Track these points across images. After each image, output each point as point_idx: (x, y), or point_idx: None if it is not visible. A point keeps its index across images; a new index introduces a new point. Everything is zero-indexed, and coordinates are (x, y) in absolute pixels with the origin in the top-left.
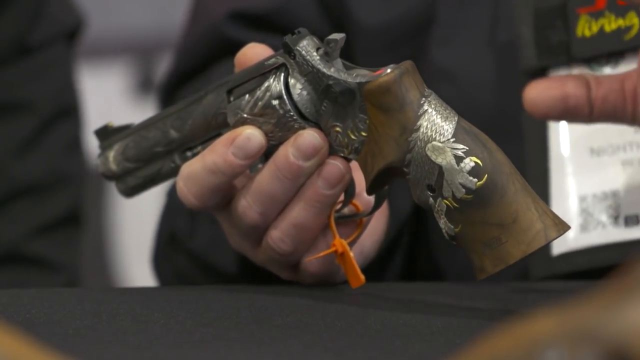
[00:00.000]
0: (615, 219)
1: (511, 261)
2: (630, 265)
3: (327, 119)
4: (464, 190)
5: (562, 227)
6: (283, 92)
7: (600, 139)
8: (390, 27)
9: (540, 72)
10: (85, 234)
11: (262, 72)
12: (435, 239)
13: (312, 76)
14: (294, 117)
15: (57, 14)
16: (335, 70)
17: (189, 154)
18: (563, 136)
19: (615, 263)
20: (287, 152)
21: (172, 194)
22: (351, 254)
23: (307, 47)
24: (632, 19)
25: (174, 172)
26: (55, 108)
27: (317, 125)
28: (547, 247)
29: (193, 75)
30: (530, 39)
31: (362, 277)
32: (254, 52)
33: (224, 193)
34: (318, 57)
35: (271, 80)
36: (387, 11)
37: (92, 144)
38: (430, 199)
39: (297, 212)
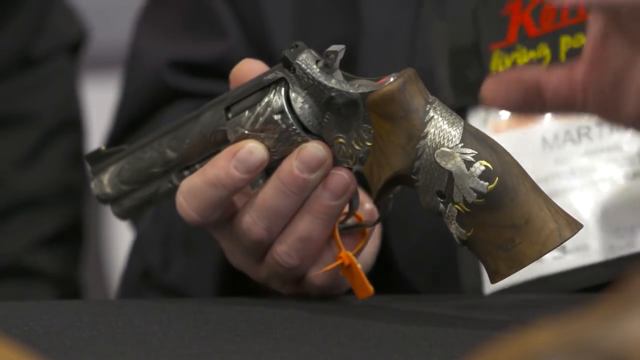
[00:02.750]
0: (563, 249)
1: (526, 262)
2: (629, 278)
3: (330, 130)
4: (475, 194)
5: (576, 225)
6: (285, 106)
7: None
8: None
9: (459, 112)
10: (87, 247)
11: (261, 87)
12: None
13: (313, 89)
14: (297, 131)
15: (60, 27)
16: (336, 82)
17: (186, 172)
18: None
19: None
20: (292, 165)
21: (140, 231)
22: (358, 265)
23: (307, 60)
24: (543, 51)
25: (171, 192)
26: (58, 120)
27: (320, 137)
28: (479, 285)
29: (138, 124)
30: (447, 79)
31: (371, 288)
32: (249, 68)
33: (225, 208)
34: (318, 70)
35: (271, 95)
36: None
37: None
38: (441, 205)
39: (303, 225)
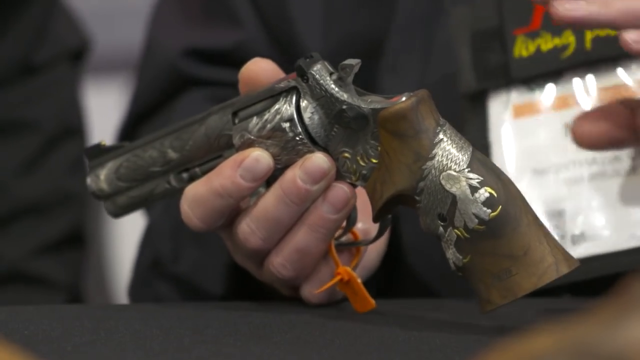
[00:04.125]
0: (562, 238)
1: (520, 293)
2: (629, 282)
3: (336, 144)
4: (477, 220)
5: (573, 262)
6: (294, 114)
7: (543, 159)
8: (338, 54)
9: (480, 95)
10: (88, 253)
11: (272, 94)
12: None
13: (325, 100)
14: (304, 141)
15: (62, 34)
16: (348, 96)
17: (185, 175)
18: (506, 157)
19: (565, 282)
20: (295, 175)
21: (151, 221)
22: (359, 280)
23: (321, 71)
24: (568, 38)
25: (167, 193)
26: (59, 128)
27: (325, 150)
28: None
29: (152, 112)
30: (469, 62)
31: (372, 301)
32: (259, 67)
33: (230, 215)
34: (332, 82)
35: (282, 102)
36: (334, 37)
37: None
38: (441, 228)
39: (300, 237)
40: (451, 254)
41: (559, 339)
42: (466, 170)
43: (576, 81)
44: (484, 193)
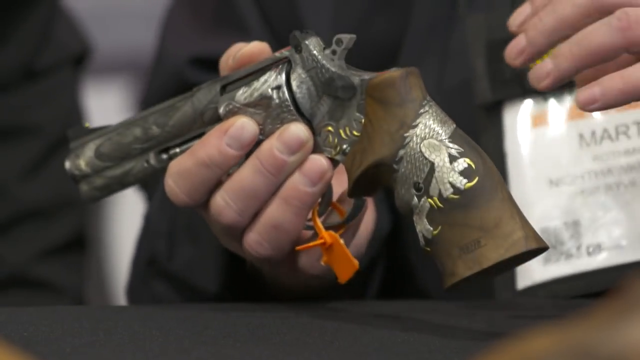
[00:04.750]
0: (578, 248)
1: (486, 264)
2: (628, 283)
3: (321, 116)
4: (452, 189)
5: (543, 243)
6: (284, 82)
7: (558, 169)
8: (348, 62)
9: (496, 105)
10: (89, 257)
11: (263, 66)
12: (412, 258)
13: (316, 72)
14: (289, 109)
15: (63, 39)
16: (339, 68)
17: (164, 156)
18: (522, 167)
19: (580, 293)
20: (272, 145)
21: (147, 220)
22: (341, 241)
23: (315, 43)
24: None
25: (146, 172)
26: (61, 132)
27: (309, 121)
28: (512, 281)
29: None
30: (484, 72)
31: (356, 262)
32: (259, 49)
33: (214, 188)
34: (324, 54)
35: (272, 72)
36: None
37: None
38: (415, 198)
39: (275, 211)
40: (422, 226)
41: (558, 340)
42: (447, 140)
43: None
44: (462, 163)
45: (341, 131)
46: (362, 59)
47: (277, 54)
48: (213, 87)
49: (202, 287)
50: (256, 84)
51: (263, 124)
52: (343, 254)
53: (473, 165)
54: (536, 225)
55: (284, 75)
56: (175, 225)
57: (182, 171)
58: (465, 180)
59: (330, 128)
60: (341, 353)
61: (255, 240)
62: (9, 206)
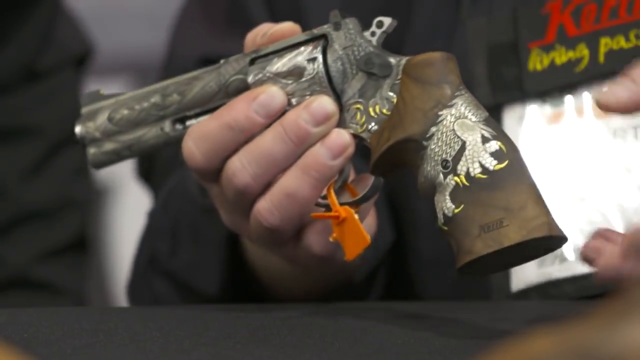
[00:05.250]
0: (573, 251)
1: (506, 243)
2: (628, 285)
3: (351, 93)
4: (480, 169)
5: (563, 233)
6: (320, 55)
7: (558, 172)
8: None
9: (495, 108)
10: (90, 258)
11: (297, 41)
12: (414, 268)
13: (352, 49)
14: (322, 81)
15: (65, 40)
16: (377, 47)
17: (179, 126)
18: None
19: (574, 296)
20: (298, 114)
21: (150, 218)
22: (355, 216)
23: (354, 23)
24: (582, 51)
25: (157, 140)
26: (63, 133)
27: (338, 97)
28: (507, 283)
29: None
30: (484, 76)
31: (368, 237)
32: (290, 30)
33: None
34: (363, 34)
35: (308, 46)
36: None
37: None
38: (441, 175)
39: (291, 180)
40: (443, 204)
41: (558, 341)
42: (481, 123)
43: (589, 95)
44: (494, 145)
45: (370, 109)
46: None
47: (315, 30)
48: (242, 59)
49: (201, 289)
50: (290, 55)
51: (293, 94)
52: (356, 229)
53: (504, 149)
54: None
55: (320, 49)
56: (178, 225)
57: (204, 132)
58: (495, 162)
59: (359, 106)
60: (341, 354)
61: (265, 208)
62: (9, 207)
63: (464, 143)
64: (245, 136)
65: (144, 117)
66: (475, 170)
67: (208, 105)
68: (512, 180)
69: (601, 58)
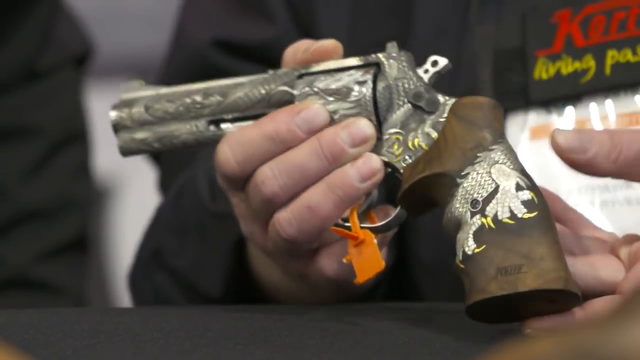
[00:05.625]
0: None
1: (521, 288)
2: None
3: (393, 123)
4: (509, 214)
5: (579, 291)
6: (370, 80)
7: (555, 182)
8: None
9: None
10: (90, 258)
11: (350, 65)
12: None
13: (403, 82)
14: (367, 104)
15: (65, 39)
16: (428, 84)
17: (213, 127)
18: None
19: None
20: (336, 132)
21: (159, 212)
22: (375, 240)
23: (409, 57)
24: (588, 62)
25: (190, 136)
26: (63, 133)
27: (378, 124)
28: None
29: None
30: (489, 81)
31: (382, 263)
32: (335, 49)
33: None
34: (416, 69)
35: (360, 70)
36: (355, 43)
37: (99, 168)
38: (468, 213)
39: (315, 194)
40: (465, 242)
41: (559, 342)
42: (518, 171)
43: (594, 106)
44: (527, 194)
45: (409, 142)
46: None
47: (369, 57)
48: (290, 72)
49: (204, 289)
50: (340, 75)
51: (334, 112)
52: (372, 253)
53: (536, 200)
54: None
55: (372, 75)
56: (187, 224)
57: (243, 139)
58: (525, 210)
59: (399, 136)
60: (342, 355)
61: (285, 218)
62: (9, 207)
63: (497, 187)
64: (283, 148)
65: (181, 112)
66: (504, 215)
67: (248, 111)
68: (538, 231)
69: (607, 70)
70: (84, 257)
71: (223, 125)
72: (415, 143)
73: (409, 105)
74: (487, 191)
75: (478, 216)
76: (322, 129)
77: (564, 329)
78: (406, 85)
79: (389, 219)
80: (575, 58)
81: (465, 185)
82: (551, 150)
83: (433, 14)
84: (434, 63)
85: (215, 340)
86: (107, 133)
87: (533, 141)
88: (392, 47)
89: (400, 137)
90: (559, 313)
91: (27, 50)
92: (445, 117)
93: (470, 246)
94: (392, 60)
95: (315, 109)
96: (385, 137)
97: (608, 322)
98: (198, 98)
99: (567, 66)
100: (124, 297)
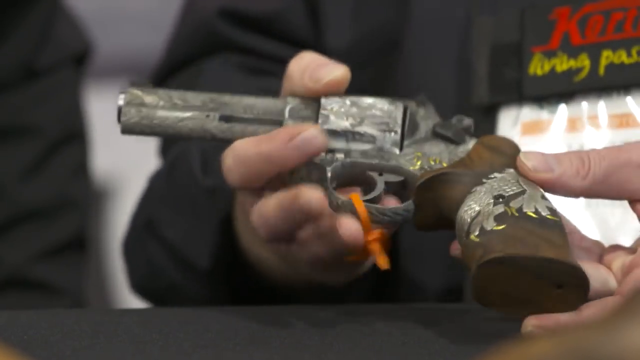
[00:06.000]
0: None
1: (541, 254)
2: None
3: (415, 140)
4: (533, 209)
5: (588, 283)
6: (401, 104)
7: None
8: (357, 48)
9: (492, 108)
10: (89, 258)
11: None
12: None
13: (428, 120)
14: (396, 117)
15: (64, 38)
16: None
17: (225, 125)
18: None
19: None
20: (296, 195)
21: (154, 182)
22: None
23: (434, 110)
24: (583, 61)
25: (197, 124)
26: (62, 133)
27: (401, 137)
28: None
29: (183, 67)
30: (484, 75)
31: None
32: (346, 77)
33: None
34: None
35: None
36: (355, 32)
37: (97, 169)
38: (491, 205)
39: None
40: (485, 220)
41: (558, 343)
42: (543, 192)
43: (586, 105)
44: (552, 204)
45: (430, 159)
46: (371, 45)
47: (397, 99)
48: (311, 98)
49: (193, 261)
50: (369, 100)
51: (359, 120)
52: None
53: (558, 212)
54: None
55: (402, 103)
56: (178, 196)
57: (242, 156)
58: (549, 213)
59: (419, 154)
60: (341, 356)
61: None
62: (8, 207)
63: (524, 190)
64: (280, 168)
65: (194, 104)
66: (529, 209)
67: (260, 115)
68: (558, 230)
69: (601, 70)
70: (82, 257)
71: (234, 124)
72: (437, 160)
73: (435, 136)
74: (513, 191)
75: (501, 205)
76: (316, 154)
77: (563, 330)
78: (431, 122)
79: (398, 206)
80: (571, 56)
81: (491, 182)
82: (540, 147)
83: (432, 3)
84: (459, 120)
85: (214, 341)
86: (106, 134)
87: (524, 136)
88: (421, 97)
89: (421, 154)
90: (562, 305)
91: (26, 49)
92: (470, 147)
93: (490, 224)
94: (419, 107)
95: (311, 134)
96: (405, 152)
97: (607, 323)
98: (214, 96)
99: (562, 64)
100: (123, 298)
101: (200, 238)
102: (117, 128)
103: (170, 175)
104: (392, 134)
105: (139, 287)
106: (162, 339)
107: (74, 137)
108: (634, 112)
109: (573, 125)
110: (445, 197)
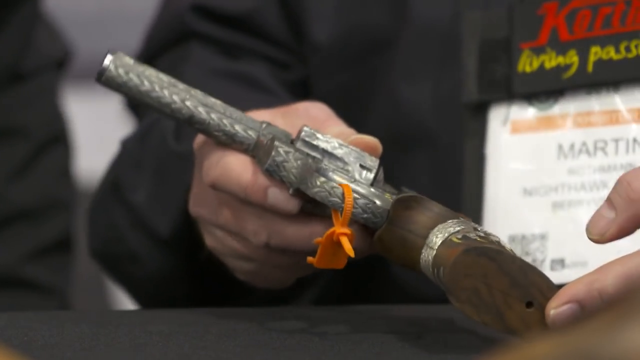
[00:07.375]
0: (542, 262)
1: (508, 253)
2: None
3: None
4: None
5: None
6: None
7: (533, 178)
8: (344, 45)
9: (481, 106)
10: (78, 259)
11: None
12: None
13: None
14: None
15: (45, 44)
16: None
17: (201, 110)
18: (499, 172)
19: None
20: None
21: (123, 146)
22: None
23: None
24: (571, 58)
25: (177, 99)
26: (48, 134)
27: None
28: None
29: (151, 61)
30: (473, 72)
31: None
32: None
33: None
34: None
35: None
36: (338, 28)
37: (81, 170)
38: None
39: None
40: (467, 233)
41: (559, 344)
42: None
43: (575, 102)
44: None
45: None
46: (355, 43)
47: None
48: (286, 137)
49: (154, 228)
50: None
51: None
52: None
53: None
54: (506, 233)
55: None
56: (147, 160)
57: (231, 173)
58: None
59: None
60: (341, 358)
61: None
62: None
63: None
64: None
65: (183, 87)
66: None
67: (233, 115)
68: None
69: (590, 67)
70: (70, 257)
71: (210, 115)
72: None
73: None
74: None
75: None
76: (287, 214)
77: (564, 330)
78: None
79: (379, 207)
80: (559, 52)
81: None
82: (529, 145)
83: (426, 1)
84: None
85: (214, 342)
86: (87, 137)
87: (514, 134)
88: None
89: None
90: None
91: (10, 53)
92: None
93: (473, 235)
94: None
95: (286, 199)
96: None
97: (608, 323)
98: (199, 95)
99: (551, 60)
100: (122, 299)
101: (163, 204)
102: (98, 131)
103: (143, 139)
104: (366, 172)
105: (98, 252)
106: (162, 340)
107: (58, 139)
108: (622, 109)
109: (563, 122)
110: (417, 221)
